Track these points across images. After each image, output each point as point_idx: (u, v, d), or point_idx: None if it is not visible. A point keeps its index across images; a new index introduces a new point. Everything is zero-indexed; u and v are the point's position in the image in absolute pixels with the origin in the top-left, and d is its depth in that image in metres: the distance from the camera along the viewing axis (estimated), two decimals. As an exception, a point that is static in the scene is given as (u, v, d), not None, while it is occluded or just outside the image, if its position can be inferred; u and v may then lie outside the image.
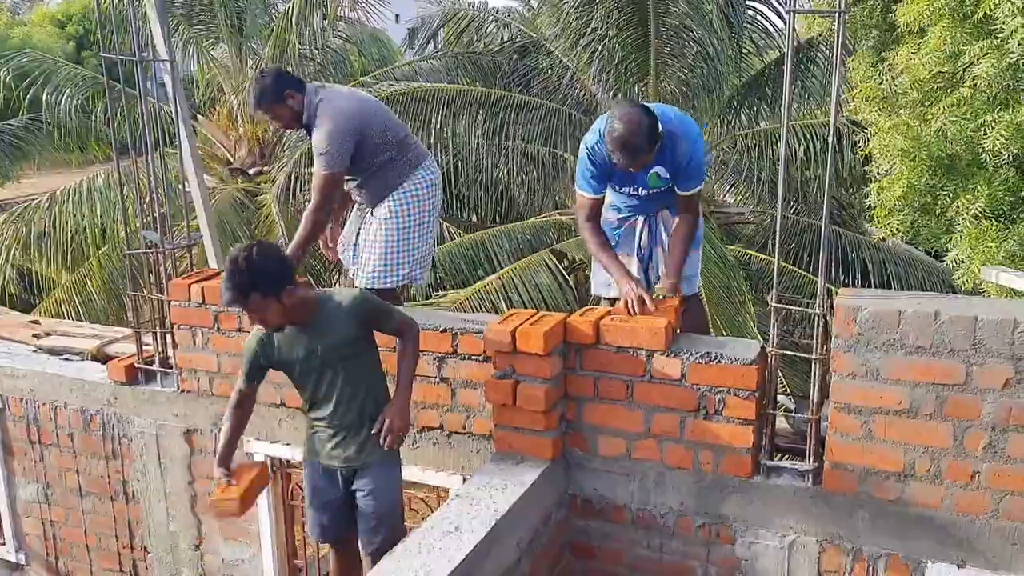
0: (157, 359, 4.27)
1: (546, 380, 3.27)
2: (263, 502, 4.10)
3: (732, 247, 10.84)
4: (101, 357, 4.64)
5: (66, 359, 4.70)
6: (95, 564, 4.67)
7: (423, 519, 3.23)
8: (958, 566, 2.95)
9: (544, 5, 12.89)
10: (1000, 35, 5.68)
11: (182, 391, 4.17)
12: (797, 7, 2.99)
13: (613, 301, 3.87)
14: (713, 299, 8.30)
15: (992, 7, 5.82)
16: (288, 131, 8.44)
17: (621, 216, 3.88)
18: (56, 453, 4.57)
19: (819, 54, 12.11)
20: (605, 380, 3.34)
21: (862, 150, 7.88)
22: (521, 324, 3.29)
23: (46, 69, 13.40)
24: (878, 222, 7.03)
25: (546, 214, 11.91)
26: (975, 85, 6.11)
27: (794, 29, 3.05)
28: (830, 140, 3.07)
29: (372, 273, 4.01)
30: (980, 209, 6.27)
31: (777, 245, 3.18)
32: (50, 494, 4.67)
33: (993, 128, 5.92)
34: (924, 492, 2.94)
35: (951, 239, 6.75)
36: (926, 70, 6.45)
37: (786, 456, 3.33)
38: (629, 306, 3.35)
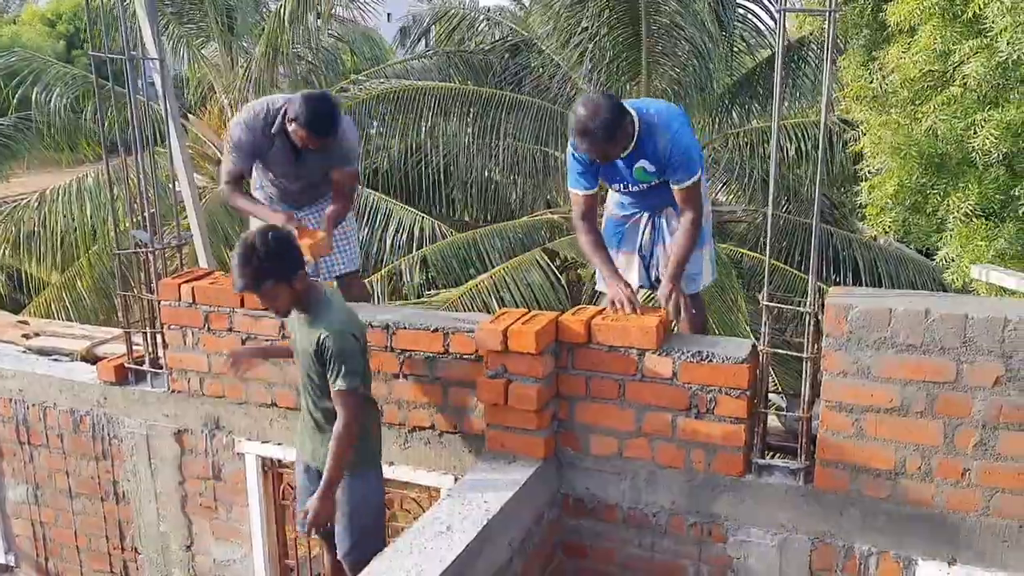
0: (147, 359, 4.25)
1: (538, 379, 3.26)
2: (254, 502, 4.10)
3: (724, 245, 10.85)
4: (91, 358, 4.61)
5: (55, 360, 4.67)
6: (85, 565, 4.64)
7: (415, 519, 3.22)
8: (949, 563, 2.95)
9: (536, 4, 12.90)
10: (989, 34, 5.69)
11: (172, 391, 4.15)
12: (788, 6, 2.99)
13: None
14: (705, 297, 8.30)
15: (981, 6, 5.84)
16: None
17: (625, 213, 3.84)
18: (46, 454, 4.55)
19: (810, 53, 12.14)
20: (597, 379, 3.34)
21: (852, 148, 7.91)
22: (513, 323, 3.28)
23: (35, 68, 13.32)
24: (869, 220, 7.07)
25: (538, 213, 11.91)
26: (965, 84, 6.14)
27: (784, 28, 3.05)
28: (821, 139, 3.07)
29: (352, 256, 4.28)
30: (970, 208, 6.30)
31: (768, 244, 3.18)
32: (40, 495, 4.65)
33: (983, 127, 5.94)
34: (915, 490, 2.95)
35: (941, 237, 6.79)
36: (916, 69, 6.47)
37: (778, 454, 3.33)
38: (617, 308, 3.35)
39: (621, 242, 3.82)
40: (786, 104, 12.27)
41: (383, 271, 10.32)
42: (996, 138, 5.88)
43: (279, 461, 4.07)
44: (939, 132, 6.35)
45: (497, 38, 13.45)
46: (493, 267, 9.82)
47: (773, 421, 3.47)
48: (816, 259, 3.06)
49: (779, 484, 3.16)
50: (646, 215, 3.80)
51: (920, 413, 2.89)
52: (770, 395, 3.61)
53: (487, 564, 2.96)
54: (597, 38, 11.07)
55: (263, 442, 4.01)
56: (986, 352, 2.77)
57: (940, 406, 2.86)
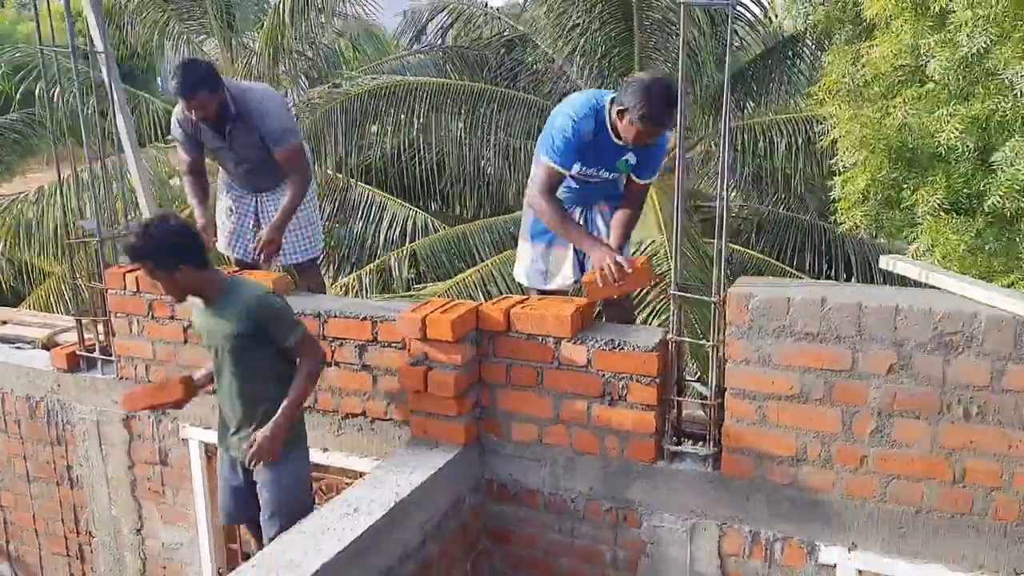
0: (98, 347, 4.35)
1: (456, 367, 3.32)
2: (198, 486, 4.19)
3: (712, 241, 10.85)
4: (51, 345, 4.72)
5: (17, 347, 4.79)
6: (44, 548, 4.76)
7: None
8: (849, 549, 2.99)
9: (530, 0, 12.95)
10: (951, 28, 5.68)
11: (121, 378, 4.25)
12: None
13: (543, 294, 3.91)
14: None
15: (948, 0, 5.82)
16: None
17: None
18: (4, 439, 4.67)
19: (804, 48, 12.11)
20: (517, 367, 3.40)
21: (822, 143, 7.90)
22: (432, 312, 3.35)
23: (44, 63, 13.48)
24: (841, 214, 7.05)
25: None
26: (934, 79, 6.13)
27: (685, 21, 3.09)
28: (724, 122, 3.10)
29: (309, 246, 4.38)
30: (938, 202, 6.28)
31: (677, 235, 3.22)
32: (0, 480, 4.77)
33: (948, 122, 5.93)
34: (816, 476, 2.99)
35: (914, 231, 6.77)
36: (886, 63, 6.46)
37: (692, 441, 3.37)
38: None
39: (555, 238, 3.85)
40: (779, 99, 12.26)
41: (372, 265, 10.42)
42: (960, 132, 5.86)
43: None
44: (910, 127, 6.35)
45: (493, 33, 13.50)
46: (483, 261, 9.90)
47: (698, 410, 3.52)
48: (724, 246, 3.10)
49: (689, 470, 3.21)
50: (579, 210, 3.85)
51: (819, 400, 2.93)
52: (696, 384, 3.67)
53: (395, 545, 3.03)
54: (589, 33, 11.10)
55: (206, 428, 4.09)
56: (880, 340, 2.80)
57: (838, 394, 2.90)
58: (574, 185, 3.77)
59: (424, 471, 3.23)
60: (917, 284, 3.02)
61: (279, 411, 3.13)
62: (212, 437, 4.12)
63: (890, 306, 2.77)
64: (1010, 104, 5.54)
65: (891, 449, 2.86)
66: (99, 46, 4.15)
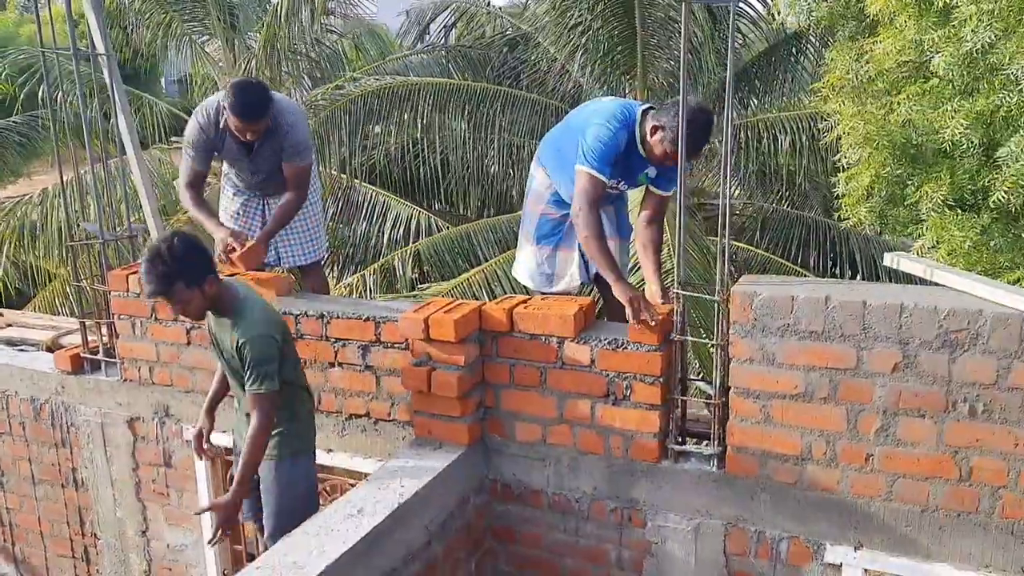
0: (101, 349, 4.35)
1: (459, 367, 3.31)
2: (203, 488, 4.19)
3: (715, 238, 10.83)
4: (55, 347, 4.72)
5: (21, 350, 4.80)
6: (49, 550, 4.77)
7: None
8: (855, 548, 2.97)
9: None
10: (955, 23, 5.66)
11: (124, 380, 4.26)
12: (692, -4, 3.01)
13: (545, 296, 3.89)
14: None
15: (951, -6, 5.80)
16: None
17: (565, 212, 3.81)
18: (9, 441, 4.67)
19: (807, 45, 12.08)
20: (520, 367, 3.39)
21: (826, 139, 7.88)
22: (435, 312, 3.34)
23: (47, 66, 13.51)
24: (846, 210, 7.03)
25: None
26: (938, 75, 6.10)
27: (687, 19, 3.08)
28: (728, 110, 3.09)
29: (314, 248, 4.40)
30: (942, 197, 6.25)
31: (680, 233, 3.21)
32: (5, 482, 4.78)
33: (952, 117, 5.90)
34: (821, 475, 2.97)
35: (919, 228, 6.75)
36: (890, 59, 6.44)
37: (698, 441, 3.35)
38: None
39: (560, 240, 3.84)
40: (782, 96, 12.23)
41: (376, 264, 10.43)
42: (966, 128, 5.84)
43: (226, 448, 4.15)
44: (915, 123, 6.32)
45: (496, 32, 13.49)
46: (487, 261, 9.89)
47: (702, 408, 3.51)
48: (727, 244, 3.08)
49: (694, 470, 3.20)
50: None
51: (824, 399, 2.91)
52: (699, 383, 3.65)
53: (399, 546, 3.02)
54: (591, 32, 11.08)
55: (211, 429, 4.09)
56: (884, 339, 2.78)
57: (843, 392, 2.88)
58: (618, 191, 3.76)
59: (428, 472, 3.23)
60: (922, 281, 3.01)
61: (236, 477, 3.16)
62: (216, 439, 4.12)
63: (895, 304, 2.75)
64: (1015, 99, 5.51)
65: (897, 448, 2.85)
66: (100, 48, 4.14)
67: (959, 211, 6.32)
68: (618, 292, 3.32)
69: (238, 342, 3.08)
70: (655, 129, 3.40)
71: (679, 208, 3.19)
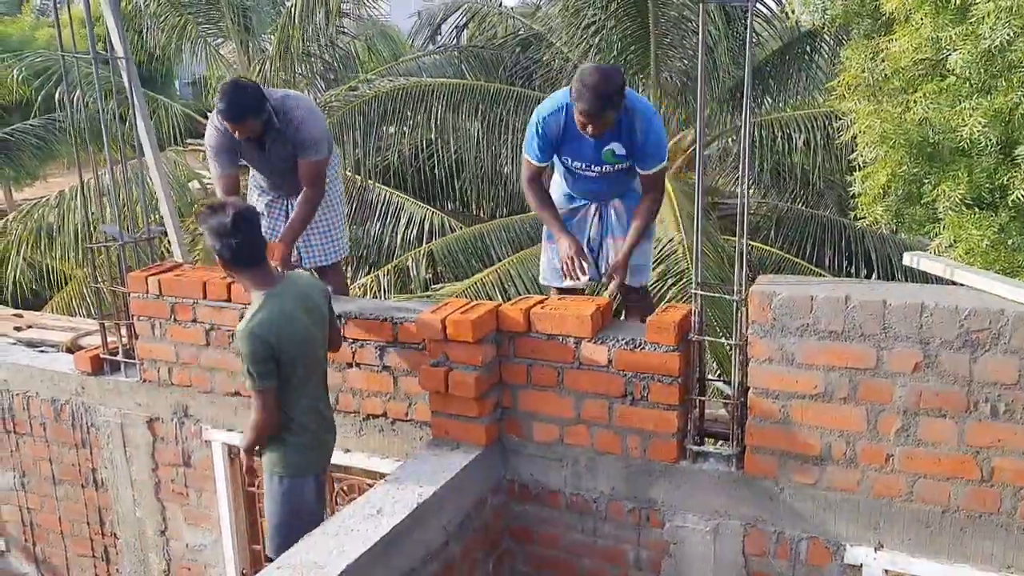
0: (121, 350, 4.38)
1: (477, 367, 3.32)
2: (221, 488, 4.21)
3: (733, 238, 10.80)
4: (75, 349, 4.76)
5: (41, 351, 4.83)
6: (69, 550, 4.81)
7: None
8: (876, 549, 2.96)
9: (545, -1, 12.95)
10: (973, 20, 5.62)
11: (144, 381, 4.28)
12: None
13: (561, 292, 3.92)
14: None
15: (969, -9, 5.76)
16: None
17: (573, 206, 3.92)
18: (30, 442, 4.71)
19: (822, 44, 12.03)
20: (537, 367, 3.39)
21: (841, 138, 7.85)
22: (452, 312, 3.35)
23: (61, 69, 13.62)
24: (862, 209, 7.00)
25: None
26: (956, 72, 6.07)
27: (704, 19, 3.07)
28: (746, 106, 3.08)
29: (335, 249, 4.40)
30: (960, 196, 6.22)
31: (697, 232, 3.20)
32: (26, 482, 4.82)
33: (971, 115, 5.87)
34: (841, 475, 2.96)
35: (936, 227, 6.71)
36: (906, 57, 6.40)
37: (718, 441, 3.35)
38: (567, 265, 3.46)
39: None
40: (797, 95, 12.18)
41: (390, 265, 10.45)
42: (984, 126, 5.80)
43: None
44: (931, 121, 6.29)
45: (508, 32, 13.50)
46: (500, 261, 9.90)
47: (720, 408, 3.50)
48: (745, 244, 3.08)
49: (712, 470, 3.19)
50: (593, 207, 3.86)
51: (844, 399, 2.90)
52: (717, 383, 3.65)
53: (418, 546, 3.03)
54: (604, 31, 11.07)
55: (229, 430, 4.12)
56: (905, 338, 2.77)
57: (863, 392, 2.87)
58: (587, 182, 3.79)
59: (446, 472, 3.24)
60: (940, 281, 3.00)
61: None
62: (234, 439, 4.15)
63: (915, 303, 2.74)
64: (1034, 97, 5.47)
65: (917, 448, 2.83)
66: (119, 51, 4.17)
67: (977, 210, 6.28)
68: (555, 236, 3.64)
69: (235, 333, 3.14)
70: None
71: (697, 210, 3.19)
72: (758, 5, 11.92)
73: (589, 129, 3.46)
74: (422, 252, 10.43)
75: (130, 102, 4.20)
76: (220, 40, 13.83)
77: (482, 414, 3.40)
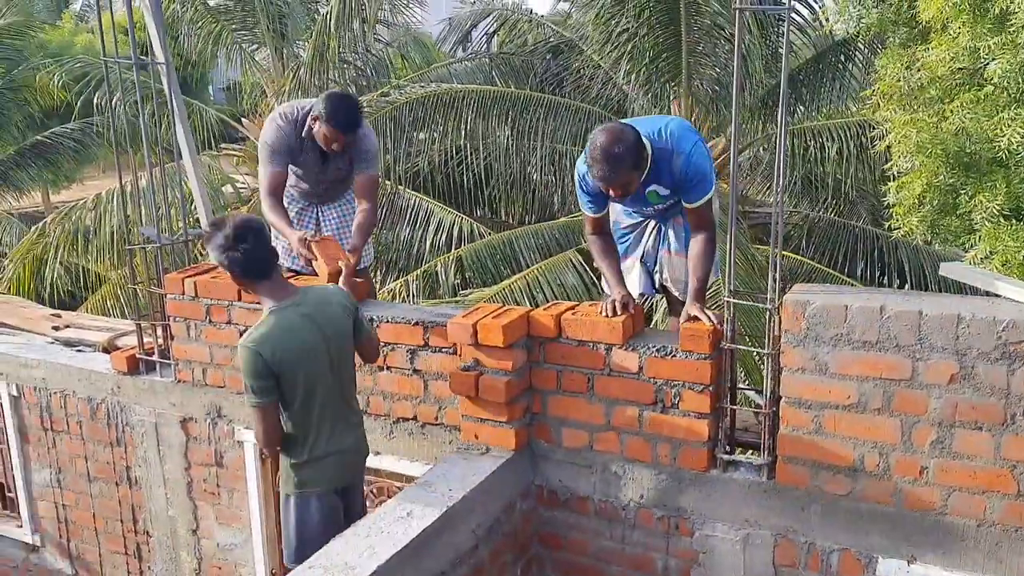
0: (156, 350, 4.45)
1: (507, 372, 3.34)
2: (252, 488, 4.26)
3: (763, 247, 10.74)
4: (111, 349, 4.84)
5: (79, 350, 4.92)
6: (103, 546, 4.88)
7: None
8: (908, 562, 2.93)
9: (576, 4, 12.94)
10: (1012, 29, 5.56)
11: (178, 381, 4.35)
12: (745, 4, 2.99)
13: None
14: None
15: (1010, 1, 5.69)
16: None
17: (633, 222, 3.81)
18: (67, 440, 4.80)
19: (856, 52, 11.93)
20: (567, 373, 3.40)
21: (877, 148, 7.78)
22: (484, 317, 3.37)
23: (101, 74, 13.87)
24: (896, 220, 6.94)
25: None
26: (994, 82, 6.00)
27: (741, 27, 3.07)
28: (783, 120, 3.07)
29: (363, 256, 4.25)
30: (999, 207, 6.14)
31: (730, 241, 3.19)
32: (62, 479, 4.90)
33: (1009, 126, 5.80)
34: (874, 487, 2.93)
35: (971, 238, 6.63)
36: (943, 66, 6.34)
37: (749, 450, 3.34)
38: (607, 311, 3.30)
39: (626, 250, 3.82)
40: (830, 104, 12.09)
41: (419, 270, 10.50)
42: (1023, 136, 5.73)
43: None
44: (968, 131, 6.22)
45: (538, 39, 13.53)
46: (528, 268, 9.91)
47: (751, 417, 3.48)
48: (778, 252, 3.06)
49: (743, 479, 3.17)
50: (653, 222, 3.78)
51: (878, 410, 2.88)
52: (748, 392, 3.63)
53: (448, 549, 3.04)
54: (636, 39, 11.07)
55: (260, 431, 4.16)
56: (940, 349, 2.74)
57: (897, 403, 2.84)
58: (642, 215, 3.75)
59: (476, 476, 3.25)
60: (975, 292, 2.96)
61: None
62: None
63: (952, 314, 2.71)
64: (1074, 108, 5.39)
65: (952, 460, 2.80)
66: (160, 57, 4.25)
67: (1014, 221, 6.20)
68: (612, 292, 3.46)
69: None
70: None
71: (731, 220, 3.18)
72: (793, 14, 11.86)
73: (611, 192, 3.27)
74: (451, 258, 10.47)
75: (169, 107, 4.27)
76: (255, 46, 13.99)
77: (512, 419, 3.41)
